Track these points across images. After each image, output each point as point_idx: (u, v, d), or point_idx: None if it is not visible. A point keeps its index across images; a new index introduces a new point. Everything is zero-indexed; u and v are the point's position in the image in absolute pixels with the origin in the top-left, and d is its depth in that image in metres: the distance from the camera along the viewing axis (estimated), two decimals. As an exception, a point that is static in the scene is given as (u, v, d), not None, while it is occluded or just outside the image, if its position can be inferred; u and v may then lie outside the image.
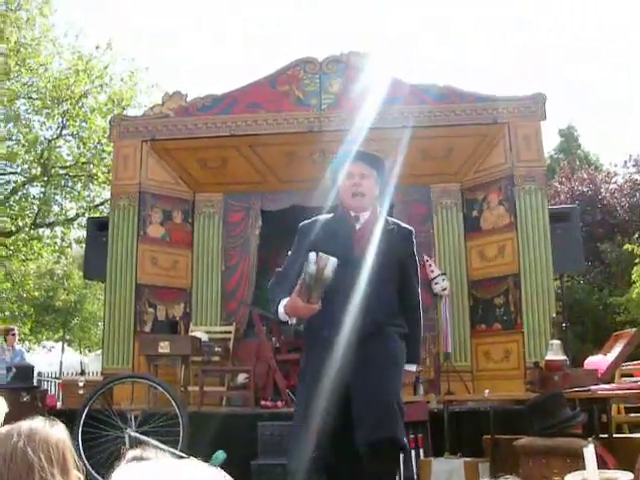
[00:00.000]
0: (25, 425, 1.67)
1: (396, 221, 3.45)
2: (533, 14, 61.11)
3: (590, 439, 2.90)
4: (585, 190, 17.41)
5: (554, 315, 6.98)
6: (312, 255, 2.89)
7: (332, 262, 2.87)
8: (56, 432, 1.70)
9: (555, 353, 5.09)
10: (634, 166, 18.06)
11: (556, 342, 5.23)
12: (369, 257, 3.17)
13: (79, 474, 1.71)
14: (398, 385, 3.14)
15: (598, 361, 5.38)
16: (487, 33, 67.01)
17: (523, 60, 64.11)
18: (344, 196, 3.35)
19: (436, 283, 7.92)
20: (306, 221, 3.41)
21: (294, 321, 3.11)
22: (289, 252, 3.41)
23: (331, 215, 3.41)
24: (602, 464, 3.32)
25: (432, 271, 7.99)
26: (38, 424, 1.69)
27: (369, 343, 3.09)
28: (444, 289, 7.92)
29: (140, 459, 1.33)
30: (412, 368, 3.33)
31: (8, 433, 1.64)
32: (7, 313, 17.70)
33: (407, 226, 3.43)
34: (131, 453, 1.36)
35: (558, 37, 62.81)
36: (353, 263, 3.15)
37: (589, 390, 4.53)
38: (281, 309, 3.07)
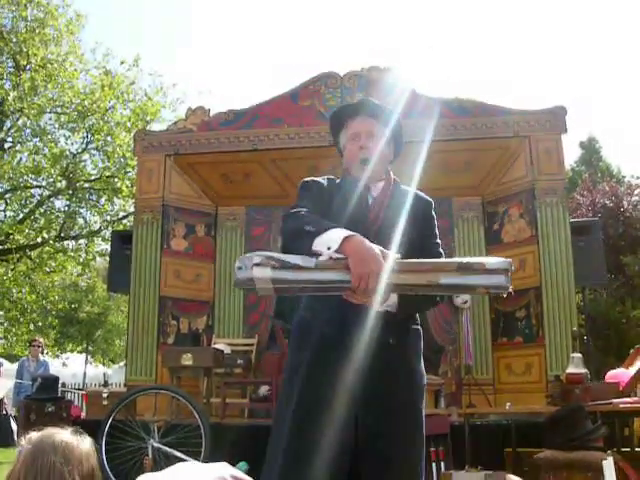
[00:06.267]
0: (57, 438, 1.69)
1: (412, 189, 2.63)
2: (553, 26, 60.98)
3: (610, 452, 2.90)
4: (607, 202, 17.30)
5: (574, 328, 6.96)
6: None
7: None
8: (86, 445, 1.74)
9: (576, 366, 5.10)
10: (657, 178, 17.93)
11: (577, 355, 5.25)
12: (389, 237, 2.35)
13: None
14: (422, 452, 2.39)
15: (620, 374, 5.37)
16: (508, 45, 66.96)
17: (544, 72, 63.92)
18: (349, 163, 2.59)
19: (457, 296, 7.92)
20: (309, 178, 2.59)
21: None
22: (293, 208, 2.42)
23: (337, 180, 2.61)
24: (624, 478, 3.33)
25: (453, 284, 7.99)
26: (69, 437, 1.72)
27: (387, 361, 2.32)
28: (465, 302, 7.93)
29: None
30: None
31: (41, 445, 1.66)
32: (32, 325, 17.87)
33: (426, 197, 2.63)
34: None
35: (579, 49, 62.59)
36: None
37: (611, 403, 4.52)
38: (335, 239, 2.10)
